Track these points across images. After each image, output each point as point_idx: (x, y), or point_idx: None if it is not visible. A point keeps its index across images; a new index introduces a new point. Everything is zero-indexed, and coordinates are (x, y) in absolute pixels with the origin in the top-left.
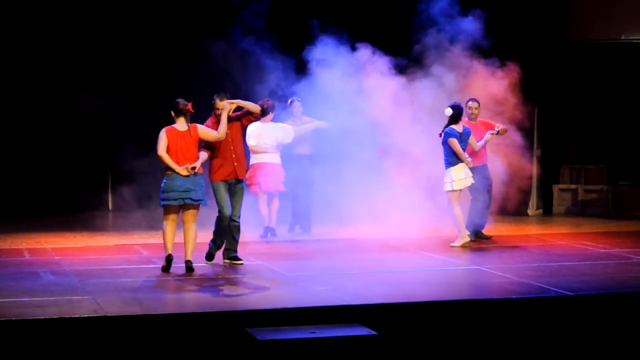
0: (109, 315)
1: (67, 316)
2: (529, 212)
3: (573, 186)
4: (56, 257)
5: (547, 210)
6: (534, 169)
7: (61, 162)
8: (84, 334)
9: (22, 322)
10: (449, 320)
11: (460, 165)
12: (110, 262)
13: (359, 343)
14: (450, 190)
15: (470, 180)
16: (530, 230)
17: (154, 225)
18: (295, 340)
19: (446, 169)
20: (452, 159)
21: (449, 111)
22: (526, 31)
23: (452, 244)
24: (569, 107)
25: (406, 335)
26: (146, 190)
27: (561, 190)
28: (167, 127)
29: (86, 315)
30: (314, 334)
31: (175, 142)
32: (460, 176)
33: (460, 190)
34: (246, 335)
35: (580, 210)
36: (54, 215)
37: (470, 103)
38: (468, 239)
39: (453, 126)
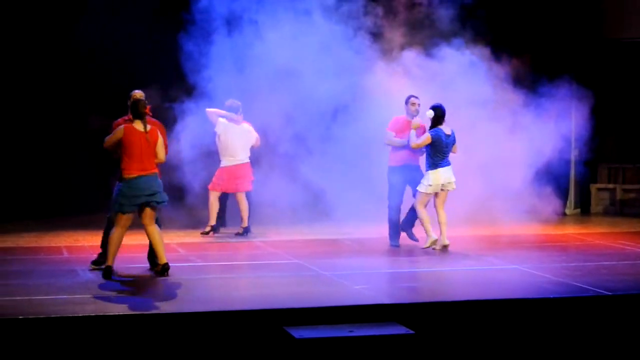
0: (147, 313)
1: (105, 313)
2: (567, 211)
3: (611, 186)
4: (94, 255)
5: (584, 210)
6: (571, 169)
7: (100, 161)
8: (123, 331)
9: (60, 320)
10: (486, 319)
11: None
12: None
13: (396, 342)
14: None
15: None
16: (568, 229)
17: (191, 224)
18: (332, 339)
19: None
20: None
21: (430, 113)
22: (564, 29)
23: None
24: (606, 105)
25: (443, 335)
26: (181, 187)
27: (599, 189)
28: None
29: (124, 313)
30: (351, 333)
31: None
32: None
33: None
34: (284, 334)
35: (618, 209)
36: (92, 213)
37: (413, 99)
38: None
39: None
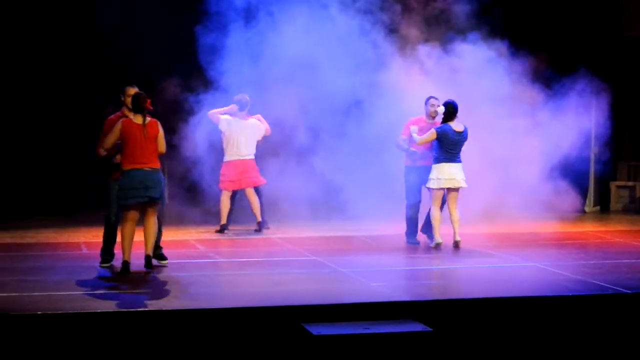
0: (164, 309)
1: (124, 310)
2: (586, 209)
3: (631, 183)
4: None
5: (604, 208)
6: (591, 166)
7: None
8: (141, 327)
9: (79, 315)
10: (505, 317)
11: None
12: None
13: (413, 339)
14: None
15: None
16: (587, 227)
17: (209, 220)
18: (350, 335)
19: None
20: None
21: (441, 109)
22: (583, 26)
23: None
24: (625, 103)
25: (461, 332)
26: (199, 183)
27: (618, 187)
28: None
29: (142, 309)
30: (368, 330)
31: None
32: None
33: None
34: (302, 330)
35: (637, 207)
36: None
37: (432, 100)
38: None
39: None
